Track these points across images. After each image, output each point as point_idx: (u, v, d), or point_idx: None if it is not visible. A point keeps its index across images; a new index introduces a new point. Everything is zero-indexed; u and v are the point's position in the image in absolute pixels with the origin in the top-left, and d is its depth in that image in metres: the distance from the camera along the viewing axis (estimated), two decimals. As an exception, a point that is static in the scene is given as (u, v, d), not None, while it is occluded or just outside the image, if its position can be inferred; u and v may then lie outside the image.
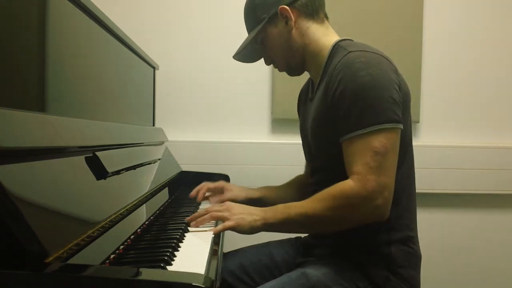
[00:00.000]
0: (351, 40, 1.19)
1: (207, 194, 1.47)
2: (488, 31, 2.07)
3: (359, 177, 1.01)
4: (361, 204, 1.02)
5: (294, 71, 1.27)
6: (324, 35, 1.19)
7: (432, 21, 2.04)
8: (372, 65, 1.04)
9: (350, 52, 1.07)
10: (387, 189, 1.02)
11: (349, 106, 1.03)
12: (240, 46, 1.26)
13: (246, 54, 1.27)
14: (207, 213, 1.11)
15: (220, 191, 1.45)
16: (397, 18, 2.00)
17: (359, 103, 1.02)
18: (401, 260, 1.11)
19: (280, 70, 1.28)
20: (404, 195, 1.13)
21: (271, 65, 1.29)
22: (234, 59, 1.30)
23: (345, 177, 1.05)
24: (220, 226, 1.06)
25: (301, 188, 1.40)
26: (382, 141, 1.01)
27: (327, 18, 1.23)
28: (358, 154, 1.02)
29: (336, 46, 1.15)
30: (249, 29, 1.26)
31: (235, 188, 1.45)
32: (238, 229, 1.06)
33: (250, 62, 1.32)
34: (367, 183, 1.00)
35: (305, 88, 1.35)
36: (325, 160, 1.18)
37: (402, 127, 1.05)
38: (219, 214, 1.09)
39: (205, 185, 1.46)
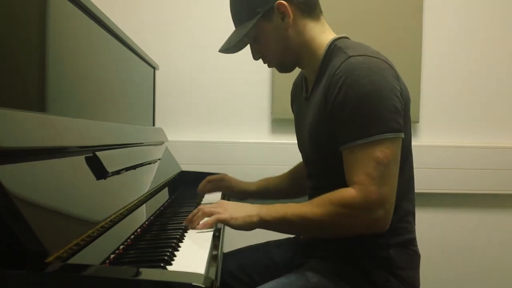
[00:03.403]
0: (347, 37, 1.16)
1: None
2: (488, 31, 2.06)
3: (361, 187, 0.99)
4: (361, 215, 1.00)
5: (285, 69, 1.22)
6: (321, 33, 1.16)
7: (432, 21, 2.04)
8: (374, 73, 1.01)
9: (350, 57, 1.04)
10: (388, 201, 1.00)
11: (351, 114, 1.01)
12: (228, 41, 1.19)
13: (233, 45, 1.18)
14: (200, 212, 1.08)
15: (220, 180, 1.51)
16: (396, 18, 1.99)
17: (361, 112, 1.00)
18: (402, 262, 1.10)
19: (270, 66, 1.24)
20: (404, 199, 1.13)
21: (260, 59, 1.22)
22: (220, 52, 1.22)
23: (341, 184, 1.03)
24: (213, 217, 1.04)
25: (301, 176, 1.36)
26: (385, 151, 0.99)
27: (321, 12, 1.18)
28: (360, 163, 1.00)
29: (333, 46, 1.12)
30: (237, 21, 1.18)
31: (232, 179, 1.51)
32: (232, 222, 1.04)
33: (235, 52, 1.23)
34: (369, 194, 0.98)
35: (299, 82, 1.31)
36: (322, 167, 1.16)
37: (403, 136, 1.04)
38: (213, 210, 1.07)
39: (207, 178, 1.52)
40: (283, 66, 1.21)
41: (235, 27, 1.20)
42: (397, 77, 1.06)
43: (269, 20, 1.13)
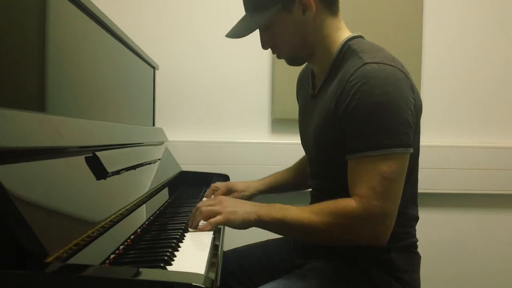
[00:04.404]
0: (362, 37, 1.13)
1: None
2: (488, 30, 2.06)
3: (363, 200, 0.97)
4: (360, 227, 0.98)
5: (295, 63, 1.18)
6: (336, 30, 1.11)
7: (432, 21, 2.04)
8: (390, 83, 0.98)
9: (366, 64, 1.00)
10: (389, 217, 0.98)
11: (361, 124, 0.98)
12: (238, 28, 1.12)
13: (240, 30, 1.12)
14: (198, 211, 1.06)
15: (228, 191, 1.45)
16: (397, 18, 1.99)
17: (372, 123, 0.97)
18: (403, 265, 1.10)
19: (280, 58, 1.17)
20: (410, 205, 1.12)
21: (268, 49, 1.17)
22: (227, 37, 1.15)
23: (344, 188, 1.02)
24: (208, 223, 1.03)
25: (305, 170, 1.33)
26: (392, 166, 0.96)
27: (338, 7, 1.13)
28: (365, 176, 0.98)
29: (346, 46, 1.08)
30: (251, 8, 1.11)
31: (240, 186, 1.45)
32: (229, 223, 1.02)
33: (242, 37, 1.13)
34: (370, 208, 0.96)
35: (305, 75, 1.28)
36: (327, 169, 1.15)
37: (412, 151, 1.01)
38: (210, 208, 1.05)
39: (213, 185, 1.48)
40: (296, 59, 1.17)
41: (247, 13, 1.13)
42: (412, 88, 1.03)
43: (289, 12, 1.07)
